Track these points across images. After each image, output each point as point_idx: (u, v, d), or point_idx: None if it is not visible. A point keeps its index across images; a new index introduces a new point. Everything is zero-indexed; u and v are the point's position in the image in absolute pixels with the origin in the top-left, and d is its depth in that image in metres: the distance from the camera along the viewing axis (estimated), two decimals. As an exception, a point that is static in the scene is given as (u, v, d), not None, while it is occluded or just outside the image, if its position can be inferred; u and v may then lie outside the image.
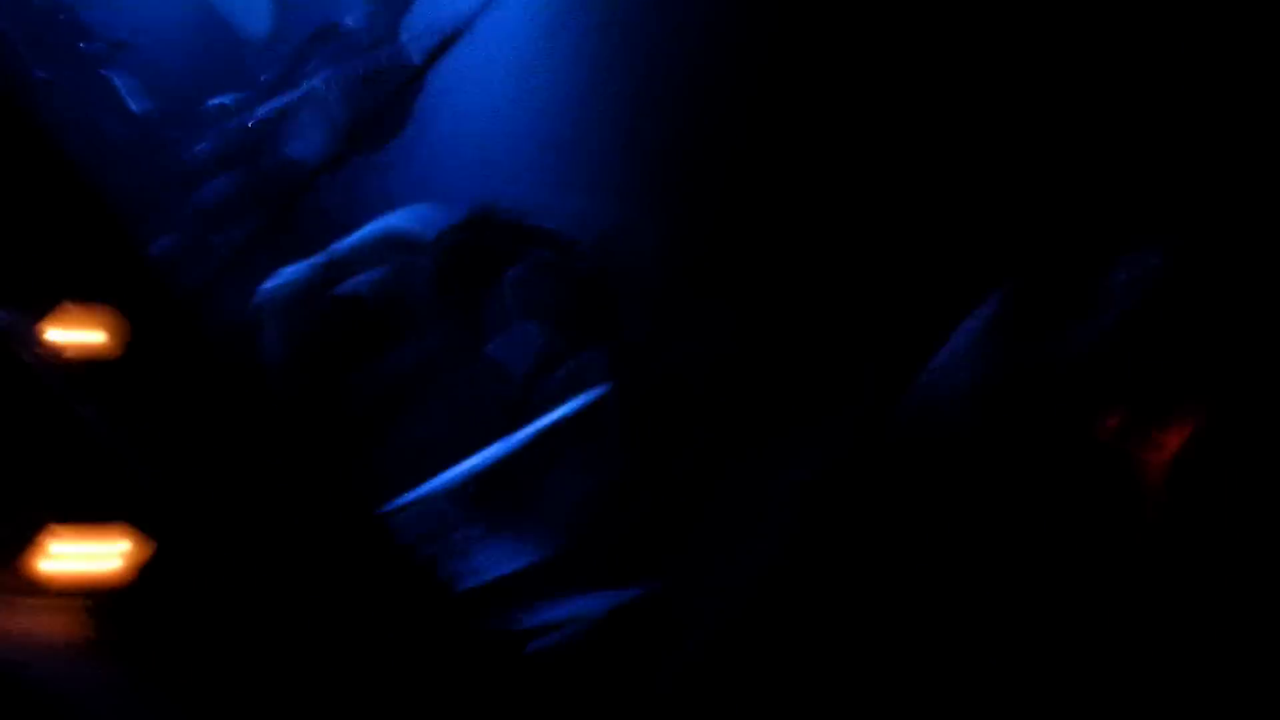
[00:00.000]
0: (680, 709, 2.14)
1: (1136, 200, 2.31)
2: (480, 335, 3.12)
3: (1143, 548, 1.58)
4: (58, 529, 1.94)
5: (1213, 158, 2.19)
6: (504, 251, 3.05)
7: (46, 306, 2.09)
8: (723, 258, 3.30)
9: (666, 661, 2.35)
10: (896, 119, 3.16)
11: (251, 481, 2.29)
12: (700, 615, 2.32)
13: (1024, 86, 2.81)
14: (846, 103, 3.26)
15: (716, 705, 2.09)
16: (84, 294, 2.15)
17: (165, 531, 2.04)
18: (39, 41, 4.07)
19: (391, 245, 3.01)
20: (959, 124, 2.98)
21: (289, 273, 3.06)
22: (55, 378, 2.03)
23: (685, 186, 3.50)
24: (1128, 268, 1.90)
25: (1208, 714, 1.68)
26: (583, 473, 3.18)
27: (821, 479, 2.37)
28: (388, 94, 3.48)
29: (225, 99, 4.39)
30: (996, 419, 1.80)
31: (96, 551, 1.96)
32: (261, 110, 4.05)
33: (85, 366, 2.11)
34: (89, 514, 2.00)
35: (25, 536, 1.93)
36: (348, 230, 3.01)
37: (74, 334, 2.10)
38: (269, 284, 3.10)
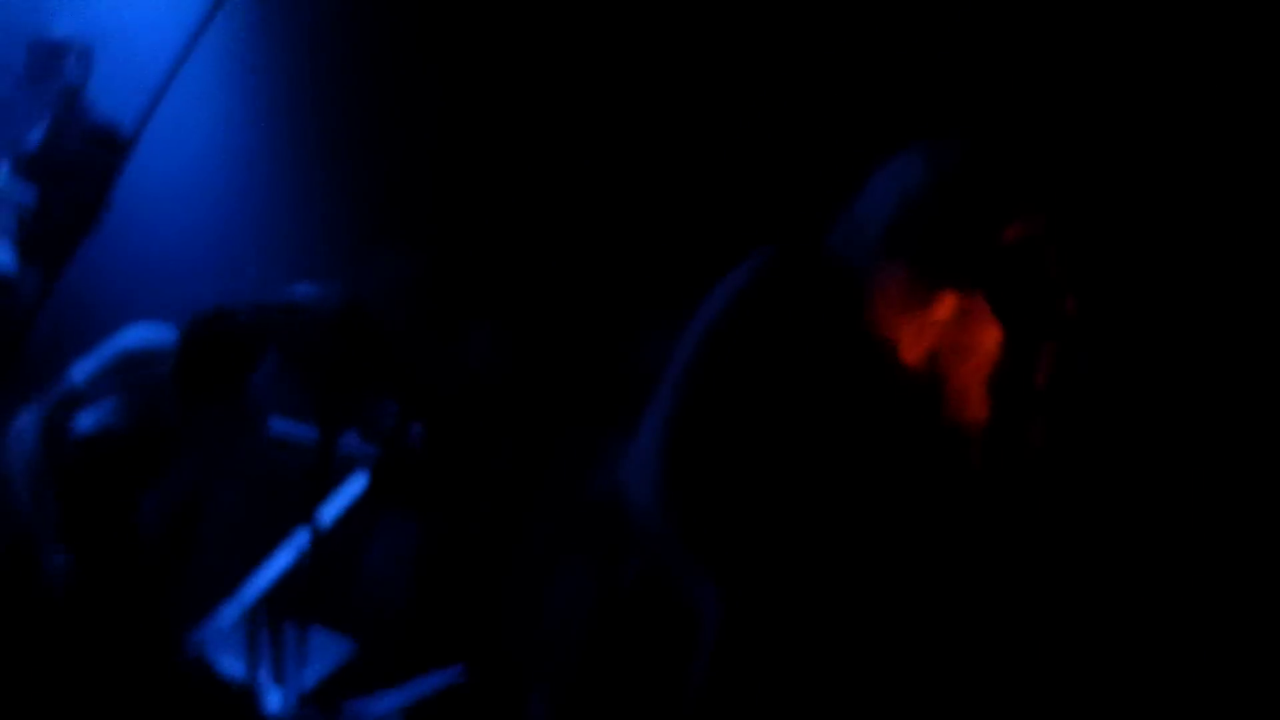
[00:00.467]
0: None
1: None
2: (255, 422, 3.04)
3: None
4: None
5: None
6: (253, 337, 2.96)
7: None
8: (478, 278, 3.27)
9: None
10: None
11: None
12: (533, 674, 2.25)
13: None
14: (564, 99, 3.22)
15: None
16: None
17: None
18: None
19: (130, 366, 2.87)
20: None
21: (22, 424, 2.86)
22: None
23: (419, 215, 3.42)
24: None
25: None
26: (386, 545, 3.16)
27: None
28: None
29: None
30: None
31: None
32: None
33: None
34: None
35: None
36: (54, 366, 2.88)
37: None
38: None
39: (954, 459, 1.58)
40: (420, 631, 3.18)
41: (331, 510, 3.11)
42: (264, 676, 2.98)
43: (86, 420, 2.70)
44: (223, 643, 3.00)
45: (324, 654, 3.12)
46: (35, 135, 3.13)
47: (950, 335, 1.59)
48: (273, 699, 2.96)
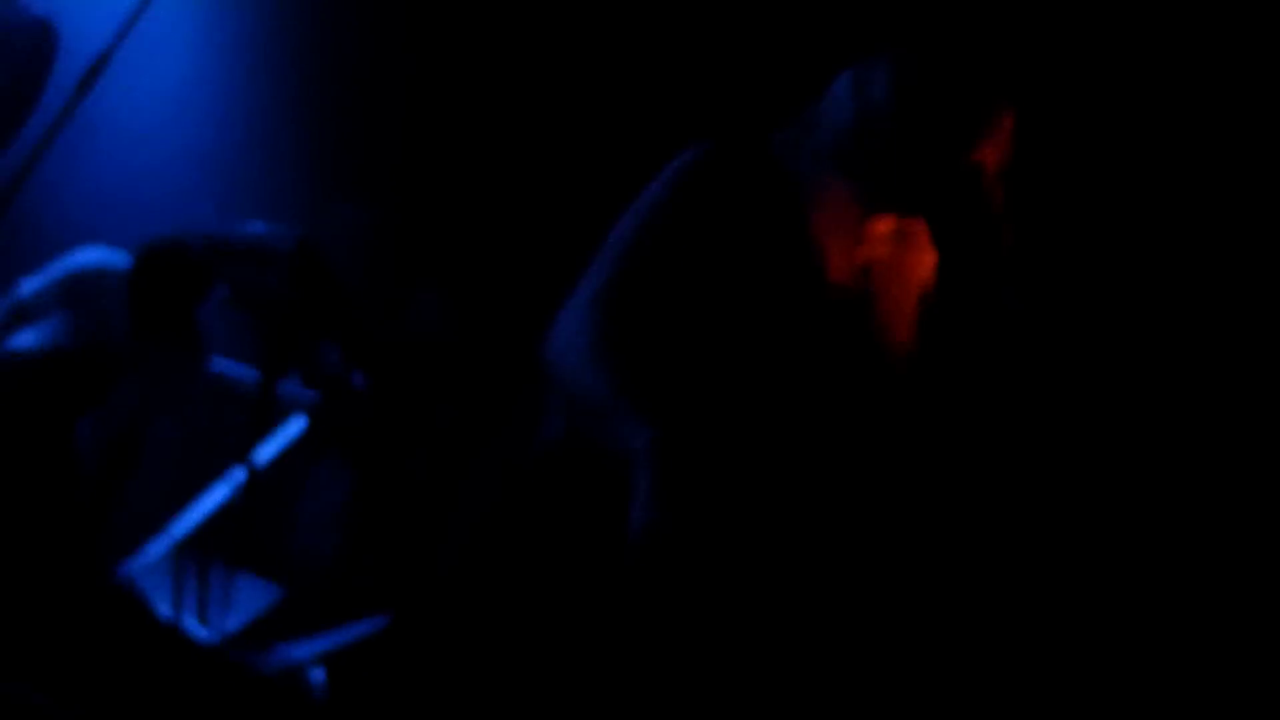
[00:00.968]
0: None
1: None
2: (200, 356, 3.05)
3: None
4: None
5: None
6: (205, 269, 2.96)
7: None
8: (428, 242, 3.30)
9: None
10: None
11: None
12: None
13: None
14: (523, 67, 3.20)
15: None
16: None
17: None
18: None
19: (79, 286, 2.86)
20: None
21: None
22: None
23: (374, 176, 3.41)
24: None
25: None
26: (320, 493, 3.17)
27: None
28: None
29: None
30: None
31: None
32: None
33: None
34: None
35: None
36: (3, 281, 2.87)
37: None
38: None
39: (876, 373, 1.60)
40: (349, 580, 3.17)
41: (268, 452, 3.12)
42: (188, 615, 2.97)
43: (29, 337, 2.69)
44: (150, 578, 2.99)
45: (250, 598, 3.11)
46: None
47: (885, 254, 1.59)
48: (196, 639, 2.94)
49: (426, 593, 2.92)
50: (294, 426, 3.13)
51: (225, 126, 3.39)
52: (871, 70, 1.60)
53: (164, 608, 2.92)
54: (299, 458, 3.15)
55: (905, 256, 1.61)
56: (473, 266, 3.39)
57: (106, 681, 2.50)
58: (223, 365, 3.05)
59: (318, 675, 2.80)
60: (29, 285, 2.74)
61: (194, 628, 2.97)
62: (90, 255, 2.79)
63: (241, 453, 2.92)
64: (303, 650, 2.89)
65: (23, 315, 2.71)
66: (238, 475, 2.93)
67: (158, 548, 3.05)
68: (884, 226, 1.60)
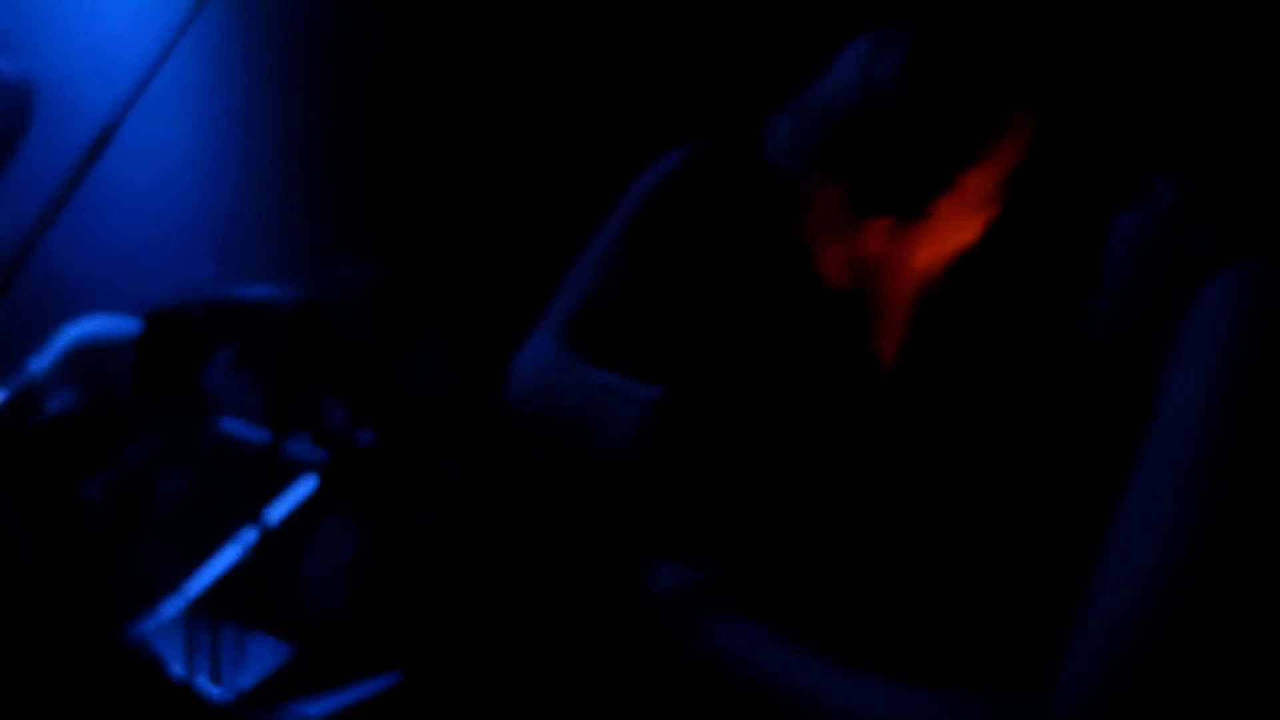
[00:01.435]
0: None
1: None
2: (207, 418, 3.07)
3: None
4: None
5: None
6: (208, 334, 2.99)
7: None
8: (427, 295, 3.31)
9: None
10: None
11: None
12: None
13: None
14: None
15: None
16: None
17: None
18: None
19: (84, 355, 2.89)
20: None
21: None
22: None
23: (372, 232, 3.44)
24: None
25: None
26: (329, 549, 3.18)
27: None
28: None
29: None
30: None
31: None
32: None
33: None
34: None
35: None
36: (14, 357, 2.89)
37: None
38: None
39: (864, 372, 1.53)
40: (361, 637, 3.19)
41: (278, 512, 3.14)
42: (201, 675, 2.98)
43: (50, 410, 2.71)
44: (163, 638, 3.00)
45: (263, 656, 3.12)
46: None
47: (877, 251, 1.49)
48: (209, 698, 2.95)
49: (437, 647, 2.95)
50: (304, 485, 3.16)
51: (226, 190, 3.42)
52: (881, 46, 1.44)
53: (177, 667, 2.93)
54: (308, 515, 3.17)
55: (898, 254, 1.52)
56: (472, 318, 3.42)
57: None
58: (231, 426, 3.08)
59: (332, 732, 2.82)
60: (37, 363, 2.77)
61: (207, 687, 2.98)
62: (92, 325, 2.81)
63: (252, 513, 2.94)
64: (317, 708, 2.91)
65: (35, 395, 2.74)
66: (249, 535, 2.96)
67: (170, 608, 3.06)
68: (879, 228, 1.51)
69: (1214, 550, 0.76)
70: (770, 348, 1.50)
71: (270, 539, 2.99)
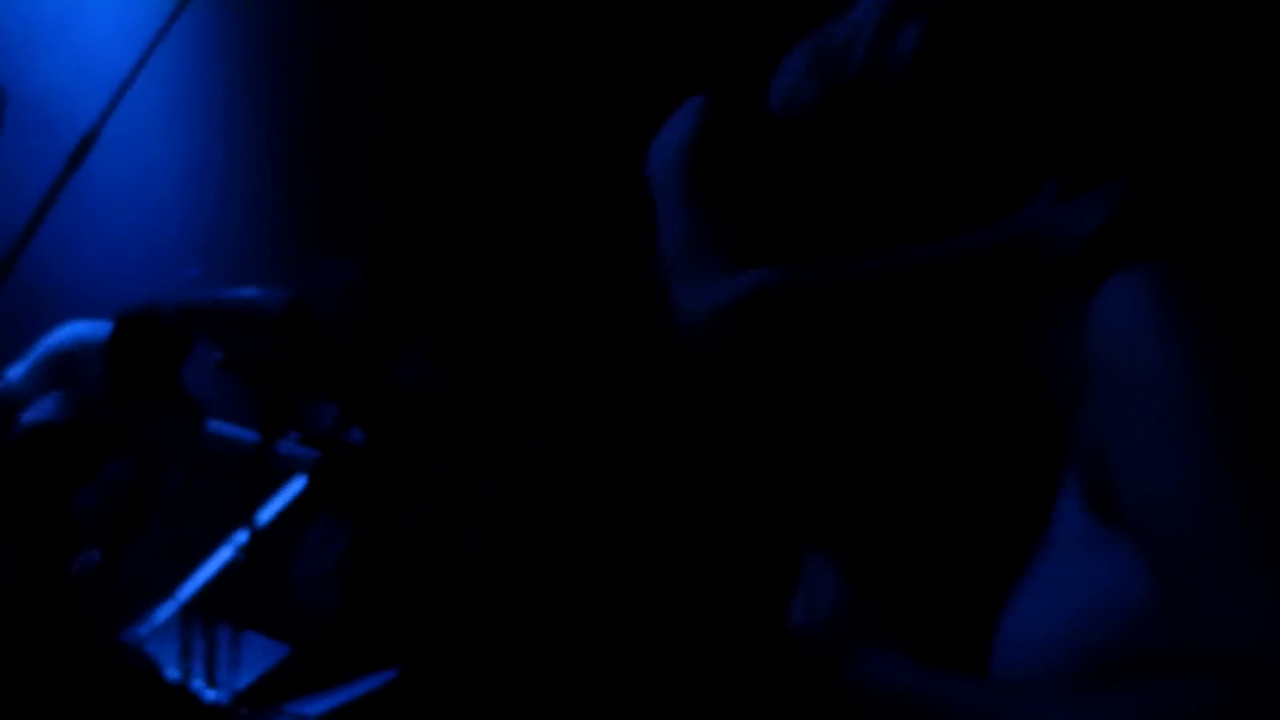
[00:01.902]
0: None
1: None
2: (196, 420, 3.08)
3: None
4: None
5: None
6: (180, 333, 2.98)
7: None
8: (413, 294, 3.32)
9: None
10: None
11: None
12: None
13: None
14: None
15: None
16: None
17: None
18: None
19: (63, 362, 2.88)
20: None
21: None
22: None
23: (357, 230, 3.46)
24: None
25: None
26: (319, 548, 3.19)
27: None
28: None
29: None
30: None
31: None
32: None
33: None
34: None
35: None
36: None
37: None
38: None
39: None
40: (355, 635, 3.20)
41: (269, 512, 3.14)
42: (197, 677, 2.99)
43: (25, 419, 2.71)
44: (158, 641, 3.00)
45: (257, 656, 3.13)
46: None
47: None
48: (206, 700, 2.96)
49: (430, 645, 2.97)
50: (294, 486, 3.17)
51: (210, 193, 3.42)
52: (906, 9, 1.29)
53: (173, 670, 2.94)
54: (298, 515, 3.17)
55: None
56: (458, 316, 3.42)
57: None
58: (222, 428, 3.09)
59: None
60: (14, 372, 2.77)
61: (203, 689, 2.99)
62: (69, 331, 2.82)
63: (244, 514, 2.94)
64: (313, 707, 2.92)
65: (13, 403, 2.74)
66: (241, 536, 2.96)
67: (165, 611, 3.07)
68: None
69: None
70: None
71: (261, 540, 2.99)
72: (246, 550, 2.93)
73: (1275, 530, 0.81)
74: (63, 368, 2.89)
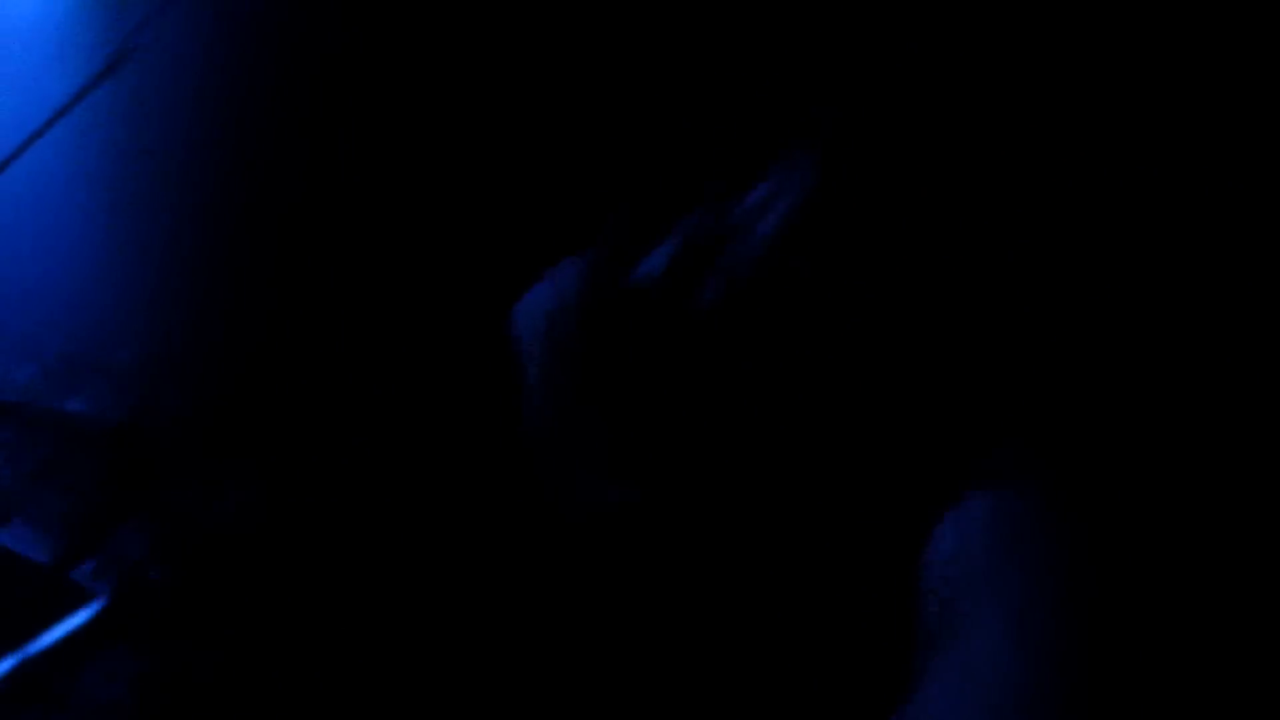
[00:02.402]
0: None
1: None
2: None
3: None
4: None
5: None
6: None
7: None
8: (247, 425, 3.26)
9: None
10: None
11: None
12: None
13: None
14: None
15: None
16: None
17: None
18: None
19: None
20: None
21: None
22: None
23: (206, 353, 3.44)
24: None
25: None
26: (105, 682, 3.03)
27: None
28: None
29: None
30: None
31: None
32: None
33: None
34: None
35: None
36: None
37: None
38: None
39: None
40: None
41: (46, 640, 2.92)
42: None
43: None
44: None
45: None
46: None
47: None
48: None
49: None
50: (80, 616, 2.96)
51: (56, 294, 3.29)
52: (801, 234, 1.47)
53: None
54: (81, 646, 2.96)
55: None
56: (291, 451, 3.31)
57: None
58: (17, 538, 2.89)
59: None
60: None
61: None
62: None
63: (17, 639, 2.74)
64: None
65: None
66: (6, 663, 2.75)
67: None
68: None
69: None
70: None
71: (33, 669, 2.77)
72: (11, 678, 2.72)
73: None
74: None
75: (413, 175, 2.98)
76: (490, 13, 2.86)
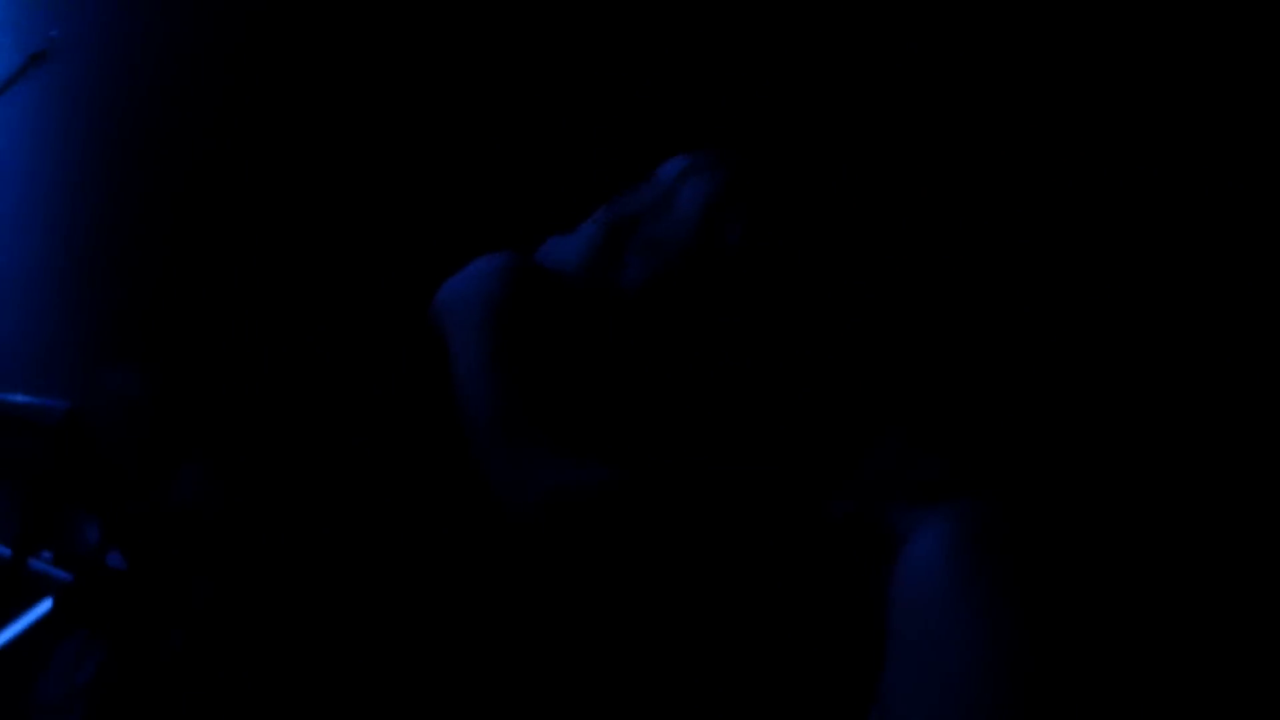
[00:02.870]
0: None
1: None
2: None
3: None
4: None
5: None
6: None
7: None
8: (196, 413, 3.27)
9: None
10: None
11: None
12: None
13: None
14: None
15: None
16: None
17: None
18: None
19: None
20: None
21: None
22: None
23: (144, 342, 3.43)
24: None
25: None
26: (65, 673, 3.05)
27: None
28: None
29: None
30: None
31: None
32: None
33: None
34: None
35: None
36: None
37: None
38: None
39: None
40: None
41: (9, 633, 2.95)
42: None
43: None
44: None
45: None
46: None
47: None
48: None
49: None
50: (40, 608, 2.99)
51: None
52: (725, 202, 1.47)
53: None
54: (44, 636, 2.99)
55: None
56: (240, 439, 3.33)
57: None
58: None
59: None
60: None
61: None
62: None
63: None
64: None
65: None
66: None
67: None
68: None
69: None
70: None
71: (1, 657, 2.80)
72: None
73: None
74: None
75: (341, 167, 2.98)
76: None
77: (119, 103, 3.25)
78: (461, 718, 1.77)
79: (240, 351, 3.35)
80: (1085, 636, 0.97)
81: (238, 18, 2.99)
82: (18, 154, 3.33)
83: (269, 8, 2.97)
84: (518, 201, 2.70)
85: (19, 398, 2.79)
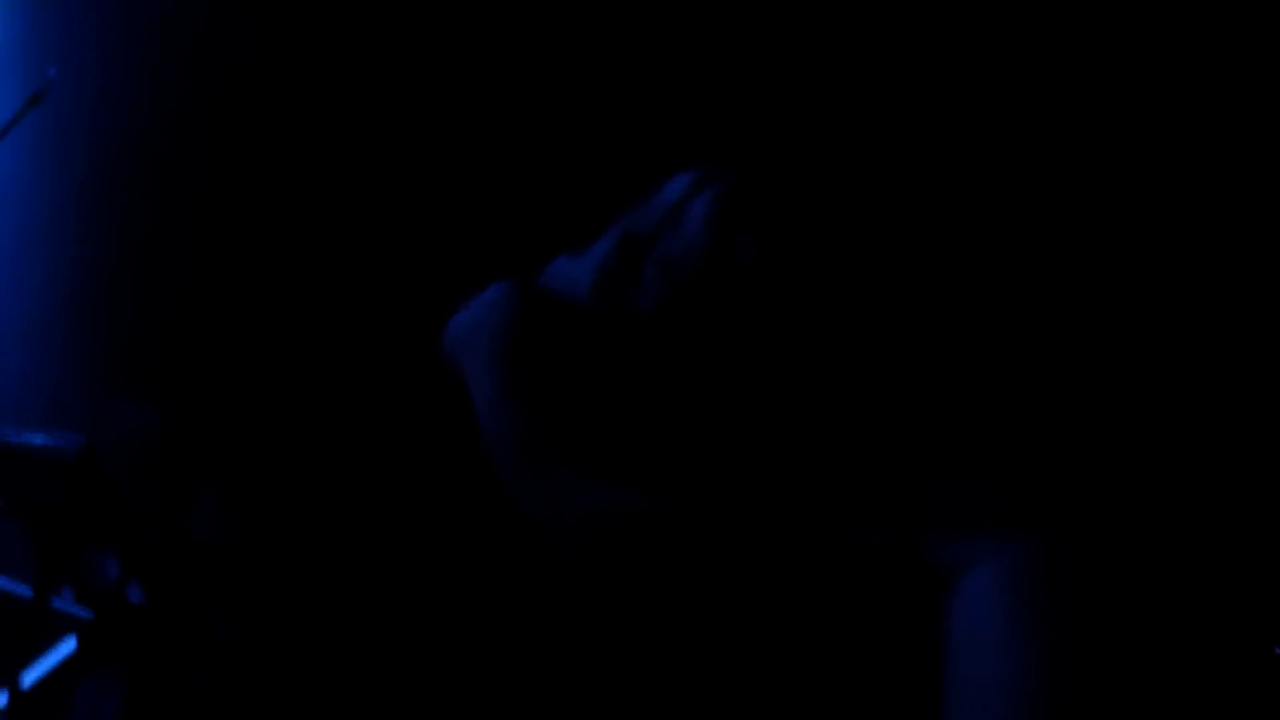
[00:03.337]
0: None
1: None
2: None
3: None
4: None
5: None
6: None
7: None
8: (211, 445, 3.27)
9: None
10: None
11: None
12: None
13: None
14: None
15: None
16: None
17: None
18: None
19: None
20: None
21: None
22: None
23: (157, 374, 3.45)
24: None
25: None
26: (91, 709, 3.06)
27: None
28: None
29: None
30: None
31: None
32: None
33: None
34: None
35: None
36: None
37: None
38: None
39: None
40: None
41: (35, 672, 2.95)
42: None
43: None
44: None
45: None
46: None
47: None
48: None
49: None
50: (65, 646, 2.99)
51: (5, 325, 3.27)
52: (734, 218, 1.49)
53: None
54: (69, 673, 2.99)
55: None
56: (254, 470, 3.33)
57: None
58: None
59: None
60: None
61: None
62: None
63: (6, 674, 2.76)
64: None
65: None
66: (0, 698, 2.77)
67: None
68: None
69: None
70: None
71: (25, 701, 2.80)
72: (6, 714, 2.75)
73: None
74: None
75: (348, 198, 2.99)
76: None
77: (123, 140, 3.27)
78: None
79: (252, 383, 3.35)
80: (1149, 676, 0.96)
81: (235, 55, 3.00)
82: (25, 194, 3.34)
83: (265, 44, 2.99)
84: (521, 216, 2.71)
85: (35, 437, 2.79)
